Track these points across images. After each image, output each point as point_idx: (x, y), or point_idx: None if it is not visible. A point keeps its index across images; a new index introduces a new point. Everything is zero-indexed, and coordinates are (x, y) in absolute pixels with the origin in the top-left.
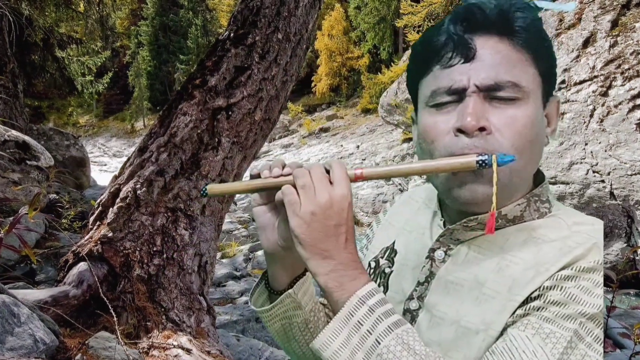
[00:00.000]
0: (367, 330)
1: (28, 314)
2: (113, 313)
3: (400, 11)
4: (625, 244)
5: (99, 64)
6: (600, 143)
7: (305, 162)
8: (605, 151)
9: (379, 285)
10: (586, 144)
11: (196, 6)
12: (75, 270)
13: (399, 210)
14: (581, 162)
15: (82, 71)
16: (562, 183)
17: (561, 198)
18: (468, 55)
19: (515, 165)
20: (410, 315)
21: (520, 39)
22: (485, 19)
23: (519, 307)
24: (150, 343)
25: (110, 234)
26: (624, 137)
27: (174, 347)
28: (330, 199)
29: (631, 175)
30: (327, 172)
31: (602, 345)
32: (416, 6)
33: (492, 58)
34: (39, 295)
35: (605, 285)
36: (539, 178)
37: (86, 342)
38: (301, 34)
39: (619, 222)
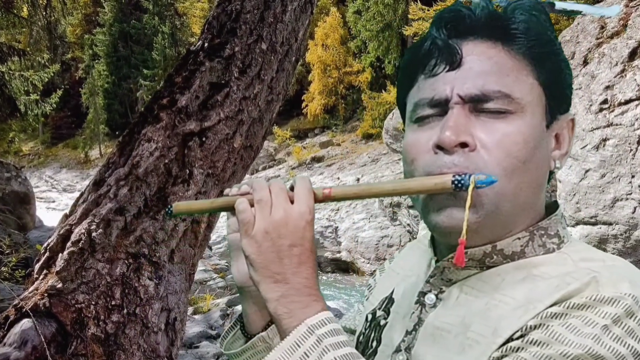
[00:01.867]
0: None
1: None
2: None
3: (409, 16)
4: None
5: (46, 80)
6: None
7: None
8: None
9: (372, 340)
10: (633, 177)
11: (163, 11)
12: (17, 329)
13: (406, 256)
14: (627, 198)
15: (26, 88)
16: (604, 223)
17: (603, 241)
18: (453, 62)
19: (503, 189)
20: None
21: (517, 44)
22: (474, 21)
23: (498, 349)
24: None
25: (60, 285)
26: None
27: None
28: (285, 216)
29: None
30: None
31: None
32: (428, 10)
33: (481, 65)
34: None
35: None
36: (550, 209)
37: None
38: (289, 43)
39: None
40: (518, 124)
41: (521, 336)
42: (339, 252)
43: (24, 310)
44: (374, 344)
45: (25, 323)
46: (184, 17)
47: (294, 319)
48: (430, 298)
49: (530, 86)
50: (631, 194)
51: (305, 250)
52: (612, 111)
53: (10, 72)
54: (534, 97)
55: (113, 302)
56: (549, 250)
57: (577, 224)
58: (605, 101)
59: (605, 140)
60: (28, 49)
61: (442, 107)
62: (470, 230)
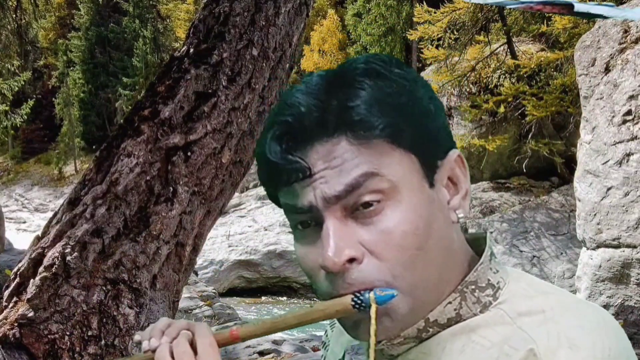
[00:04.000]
0: None
1: None
2: None
3: (414, 19)
4: None
5: (17, 89)
6: None
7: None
8: None
9: None
10: None
11: (144, 13)
12: None
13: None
14: None
15: None
16: (628, 246)
17: (626, 266)
18: (304, 174)
19: (410, 285)
20: None
21: (366, 131)
22: (311, 126)
23: None
24: None
25: (31, 314)
26: None
27: None
28: None
29: None
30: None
31: None
32: (435, 13)
33: (335, 162)
34: None
35: None
36: (475, 245)
37: None
38: (283, 49)
39: None
40: (399, 211)
41: None
42: None
43: None
44: None
45: None
46: (167, 20)
47: None
48: None
49: (399, 159)
50: None
51: None
52: (637, 123)
53: None
54: (404, 168)
55: (90, 333)
56: (485, 305)
57: (598, 247)
58: (629, 112)
59: (629, 155)
60: None
61: (309, 214)
62: (395, 329)
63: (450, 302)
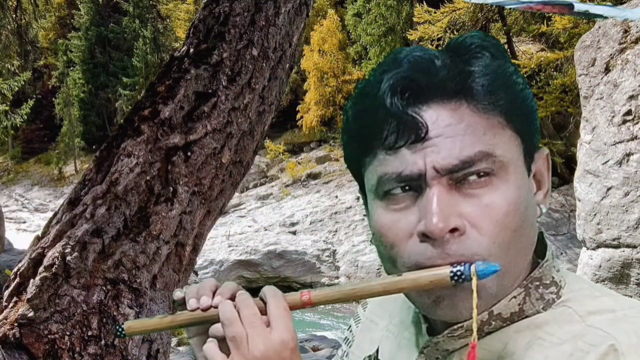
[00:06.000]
0: None
1: None
2: None
3: (414, 19)
4: None
5: (16, 89)
6: None
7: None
8: None
9: None
10: None
11: (144, 13)
12: None
13: (381, 302)
14: None
15: None
16: (628, 246)
17: (626, 266)
18: (418, 135)
19: (503, 264)
20: None
21: (484, 99)
22: (433, 84)
23: None
24: None
25: (31, 314)
26: None
27: None
28: (266, 349)
29: None
30: (264, 302)
31: None
32: (435, 13)
33: (452, 130)
34: None
35: None
36: (539, 251)
37: None
38: (283, 49)
39: None
40: (504, 190)
41: None
42: (337, 277)
43: None
44: None
45: None
46: (167, 20)
47: None
48: None
49: (509, 138)
50: None
51: None
52: (637, 123)
53: None
54: (514, 149)
55: (90, 333)
56: (549, 303)
57: (598, 247)
58: (629, 112)
59: (629, 155)
60: None
61: (415, 182)
62: (469, 317)
63: (514, 297)
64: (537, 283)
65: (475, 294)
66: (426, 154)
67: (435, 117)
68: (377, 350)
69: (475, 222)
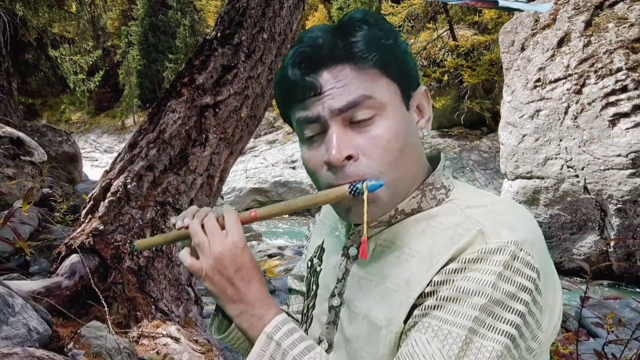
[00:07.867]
0: None
1: (22, 304)
2: (104, 303)
3: (381, 12)
4: (599, 237)
5: (91, 62)
6: (574, 139)
7: (289, 157)
8: (579, 147)
9: (312, 284)
10: (561, 140)
11: (184, 7)
12: (67, 262)
13: (329, 208)
14: (556, 158)
15: (74, 70)
16: (538, 178)
17: (537, 192)
18: (316, 91)
19: (392, 179)
20: (334, 312)
21: (363, 61)
22: (321, 56)
23: (417, 305)
24: (140, 332)
25: (102, 227)
26: (597, 133)
27: (163, 336)
28: (222, 249)
29: (604, 170)
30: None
31: (516, 326)
32: (397, 7)
33: (340, 84)
34: (32, 286)
35: (579, 276)
36: (434, 165)
37: (78, 331)
38: (286, 33)
39: (592, 215)
40: (386, 124)
41: (432, 292)
42: None
43: (73, 247)
44: (314, 287)
45: (74, 257)
46: (201, 13)
47: (255, 330)
48: (352, 251)
49: (386, 85)
50: (559, 154)
51: (248, 270)
52: (544, 88)
53: (62, 56)
54: (390, 92)
55: None
56: (440, 201)
57: (517, 178)
58: (538, 80)
59: (538, 111)
60: (76, 38)
61: (320, 124)
62: (376, 215)
63: (414, 197)
64: (431, 187)
65: (366, 202)
66: (323, 102)
67: (327, 78)
68: (323, 241)
69: (365, 151)
